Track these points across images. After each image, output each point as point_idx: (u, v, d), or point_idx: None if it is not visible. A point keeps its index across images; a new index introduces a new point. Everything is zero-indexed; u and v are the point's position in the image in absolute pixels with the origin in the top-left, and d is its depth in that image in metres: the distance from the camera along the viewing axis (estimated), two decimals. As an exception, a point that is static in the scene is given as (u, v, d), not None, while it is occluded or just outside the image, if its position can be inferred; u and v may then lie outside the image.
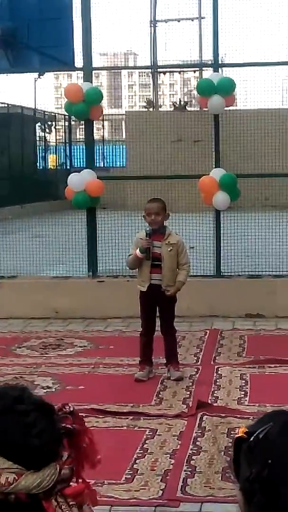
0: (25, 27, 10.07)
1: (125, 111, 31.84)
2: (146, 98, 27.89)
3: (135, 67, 32.96)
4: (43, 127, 26.26)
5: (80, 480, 1.39)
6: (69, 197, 9.05)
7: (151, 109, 26.79)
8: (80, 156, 23.30)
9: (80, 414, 1.44)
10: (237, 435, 1.36)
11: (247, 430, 1.37)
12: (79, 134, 28.58)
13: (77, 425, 1.36)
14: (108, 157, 27.82)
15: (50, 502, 1.28)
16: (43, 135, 26.49)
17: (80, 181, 8.97)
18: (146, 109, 27.68)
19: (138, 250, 6.37)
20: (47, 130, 26.73)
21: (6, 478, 1.26)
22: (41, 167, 25.67)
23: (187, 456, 4.84)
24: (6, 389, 1.39)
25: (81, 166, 10.96)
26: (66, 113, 16.39)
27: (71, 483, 1.32)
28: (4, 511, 1.29)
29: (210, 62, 9.71)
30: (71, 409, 1.38)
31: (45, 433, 1.31)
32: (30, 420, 1.31)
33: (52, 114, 27.82)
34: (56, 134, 27.13)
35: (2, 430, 1.30)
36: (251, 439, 1.34)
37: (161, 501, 4.24)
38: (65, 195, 9.19)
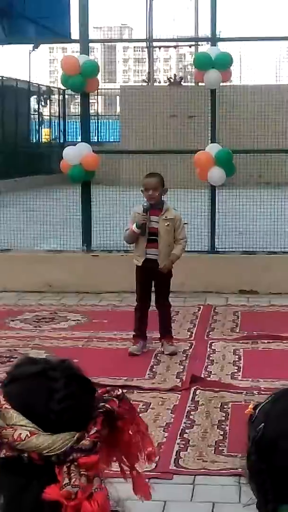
0: (22, -4, 9.96)
1: (120, 86, 31.59)
2: (147, 73, 27.62)
3: (132, 40, 32.61)
4: (37, 100, 26.04)
5: (117, 459, 1.48)
6: (65, 170, 9.00)
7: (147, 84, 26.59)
8: (73, 131, 23.15)
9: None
10: (247, 411, 1.38)
11: (255, 404, 1.39)
12: (73, 108, 28.37)
13: (120, 410, 1.39)
14: (101, 132, 27.65)
15: (61, 467, 1.31)
16: (37, 108, 26.28)
17: (75, 154, 8.92)
18: (146, 83, 27.45)
19: (134, 225, 6.36)
20: (42, 103, 26.50)
21: (19, 434, 1.31)
22: (34, 141, 25.50)
23: (180, 430, 4.87)
24: (51, 358, 1.47)
25: (75, 140, 10.89)
26: (61, 87, 16.25)
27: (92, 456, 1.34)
28: (16, 469, 1.33)
29: (206, 37, 9.65)
30: (119, 393, 1.41)
31: (68, 401, 1.35)
32: (56, 386, 1.36)
33: (47, 87, 27.59)
34: (50, 108, 26.93)
35: (28, 390, 1.37)
36: (255, 411, 1.36)
37: (154, 473, 4.26)
38: (61, 169, 9.13)
